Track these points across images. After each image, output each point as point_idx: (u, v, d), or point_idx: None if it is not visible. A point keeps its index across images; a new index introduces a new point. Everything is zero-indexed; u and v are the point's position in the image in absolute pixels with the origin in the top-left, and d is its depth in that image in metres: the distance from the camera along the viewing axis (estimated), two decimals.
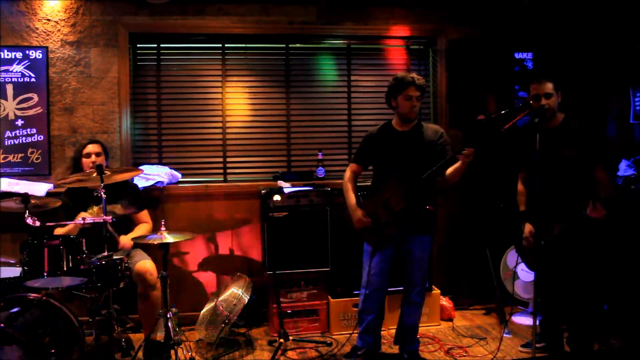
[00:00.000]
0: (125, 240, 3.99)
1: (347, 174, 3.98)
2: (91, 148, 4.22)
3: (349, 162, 4.06)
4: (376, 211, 3.75)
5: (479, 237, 5.06)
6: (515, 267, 4.38)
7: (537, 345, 3.88)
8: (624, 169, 4.64)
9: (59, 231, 3.90)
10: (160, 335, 3.75)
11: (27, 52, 4.65)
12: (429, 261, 3.90)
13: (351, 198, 3.88)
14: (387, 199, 3.70)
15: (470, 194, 5.20)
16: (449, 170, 3.63)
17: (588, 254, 3.69)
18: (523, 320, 4.75)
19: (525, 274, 4.56)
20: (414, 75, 3.78)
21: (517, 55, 5.23)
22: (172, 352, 3.56)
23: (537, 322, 3.59)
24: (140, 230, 4.19)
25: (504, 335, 4.35)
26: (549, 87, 3.67)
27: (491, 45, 5.15)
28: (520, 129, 4.87)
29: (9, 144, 4.63)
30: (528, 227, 3.80)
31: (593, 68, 5.10)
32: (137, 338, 4.20)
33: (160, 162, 4.92)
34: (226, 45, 5.04)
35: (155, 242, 3.59)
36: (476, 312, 5.06)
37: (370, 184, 4.06)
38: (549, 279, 3.79)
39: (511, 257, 4.71)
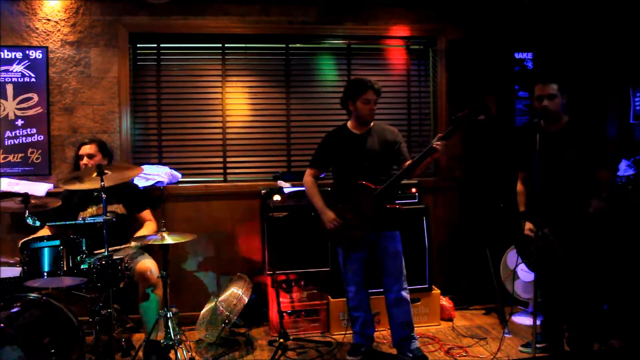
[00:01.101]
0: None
1: (309, 179, 4.02)
2: (84, 150, 4.16)
3: (307, 168, 4.09)
4: (346, 215, 3.81)
5: (479, 237, 5.06)
6: (515, 267, 4.37)
7: (538, 345, 3.88)
8: (624, 168, 4.64)
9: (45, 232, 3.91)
10: (160, 335, 3.75)
11: (27, 52, 4.65)
12: (402, 256, 3.92)
13: (319, 201, 3.95)
14: (357, 203, 3.76)
15: (470, 193, 5.21)
16: (422, 164, 3.69)
17: (588, 254, 3.69)
18: (523, 320, 4.75)
19: (525, 274, 4.55)
20: (371, 80, 3.82)
21: (517, 55, 5.23)
22: (172, 352, 3.56)
23: (538, 322, 3.59)
24: (148, 229, 4.17)
25: (504, 335, 4.35)
26: (553, 88, 3.66)
27: (491, 45, 5.14)
28: (521, 129, 4.88)
29: (9, 143, 4.64)
30: (528, 226, 3.80)
31: (593, 68, 5.10)
32: (137, 338, 4.20)
33: (161, 162, 4.92)
34: (226, 45, 5.04)
35: (156, 243, 3.59)
36: (476, 312, 5.06)
37: (330, 187, 4.10)
38: (549, 279, 3.79)
39: (511, 257, 4.71)
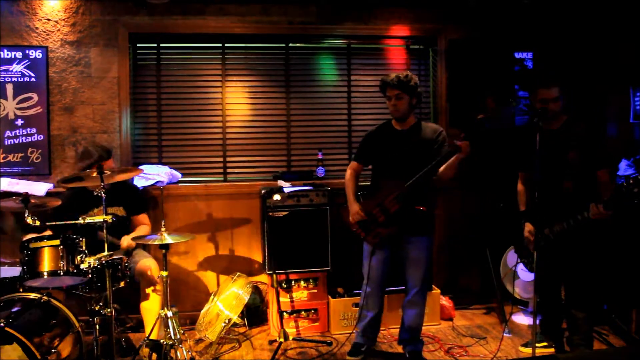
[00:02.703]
0: (127, 240, 3.99)
1: (348, 172, 4.03)
2: (107, 165, 4.06)
3: (350, 161, 4.08)
4: (373, 210, 3.77)
5: (479, 236, 5.06)
6: (515, 266, 4.38)
7: (537, 344, 3.88)
8: (624, 168, 4.64)
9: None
10: (160, 335, 3.75)
11: (27, 51, 4.65)
12: (429, 263, 3.88)
13: (349, 193, 3.94)
14: (383, 199, 3.72)
15: (470, 193, 5.21)
16: (443, 167, 3.64)
17: (588, 254, 3.69)
18: (523, 319, 4.75)
19: (525, 273, 4.55)
20: (394, 74, 3.77)
21: (517, 55, 5.23)
22: (173, 351, 3.57)
23: (537, 322, 3.59)
24: (141, 232, 4.19)
25: (504, 334, 4.35)
26: (556, 90, 3.67)
27: (491, 45, 5.15)
28: (521, 129, 4.88)
29: (9, 143, 4.63)
30: (528, 227, 3.80)
31: (593, 67, 5.10)
32: (137, 338, 4.20)
33: (160, 162, 4.91)
34: (226, 45, 5.04)
35: (156, 243, 3.59)
36: (476, 311, 5.06)
37: (369, 183, 4.07)
38: (549, 279, 3.80)
39: (511, 256, 4.70)
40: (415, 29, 5.18)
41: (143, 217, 4.33)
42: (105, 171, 3.43)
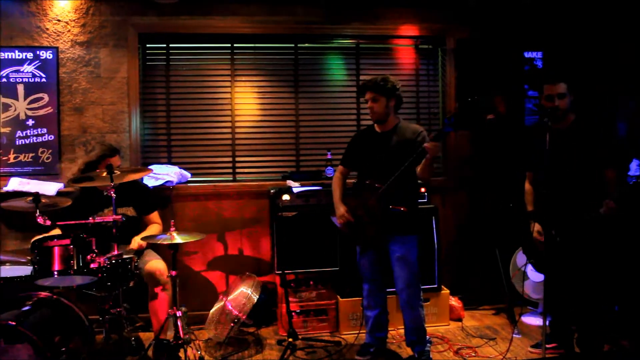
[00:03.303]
0: (137, 241, 4.01)
1: (336, 174, 4.09)
2: (114, 161, 4.10)
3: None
4: (358, 212, 3.81)
5: (488, 236, 5.05)
6: (525, 267, 4.36)
7: (547, 345, 3.87)
8: (634, 168, 4.61)
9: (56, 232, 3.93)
10: (169, 334, 3.77)
11: (37, 52, 4.68)
12: (417, 261, 3.85)
13: (336, 195, 3.98)
14: (366, 200, 3.75)
15: (479, 193, 5.19)
16: (418, 168, 3.64)
17: (597, 253, 3.67)
18: (533, 320, 4.73)
19: (534, 274, 4.54)
20: (373, 78, 3.82)
21: (527, 55, 5.20)
22: (182, 351, 3.58)
23: (547, 323, 3.58)
24: (152, 231, 4.20)
25: (514, 335, 4.33)
26: (563, 87, 3.66)
27: (500, 44, 5.12)
28: (530, 129, 4.86)
29: (20, 143, 4.67)
30: (536, 227, 3.79)
31: (604, 67, 5.07)
32: (147, 337, 4.21)
33: (170, 162, 4.94)
34: (235, 45, 5.05)
35: (165, 243, 3.60)
36: (485, 312, 5.04)
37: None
38: (558, 280, 3.78)
39: (520, 257, 4.69)
40: (424, 29, 5.18)
41: (154, 216, 4.34)
42: (115, 171, 3.45)
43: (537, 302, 4.76)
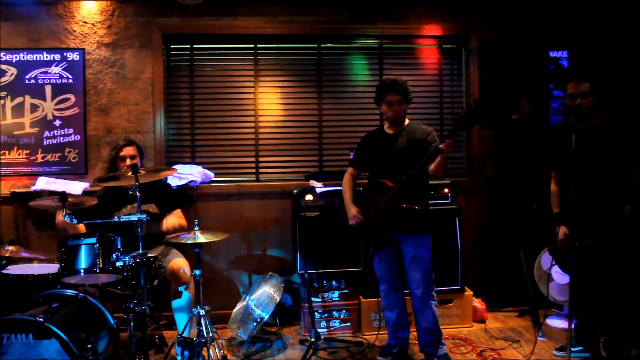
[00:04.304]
0: (170, 221, 4.06)
1: (346, 176, 4.09)
2: (126, 151, 4.23)
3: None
4: (370, 212, 3.80)
5: (512, 237, 5.00)
6: (550, 269, 4.31)
7: (572, 349, 3.81)
8: None
9: (81, 228, 3.99)
10: (193, 333, 3.79)
11: (64, 54, 4.75)
12: (429, 261, 3.84)
13: (347, 197, 3.98)
14: (378, 201, 3.74)
15: (503, 194, 5.15)
16: (431, 166, 3.63)
17: (623, 255, 3.61)
18: (557, 323, 4.67)
19: (559, 276, 4.48)
20: (395, 79, 3.80)
21: (552, 54, 5.15)
22: (205, 349, 3.60)
23: (573, 326, 3.53)
24: (173, 218, 4.18)
25: (538, 338, 4.28)
26: (586, 86, 3.61)
27: (525, 44, 5.08)
28: (555, 129, 4.80)
29: (48, 143, 4.75)
30: (562, 230, 3.74)
31: (631, 65, 4.98)
32: (170, 335, 4.25)
33: (194, 162, 4.97)
34: (258, 45, 5.07)
35: (189, 242, 3.63)
36: (509, 314, 4.99)
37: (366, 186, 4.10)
38: (585, 282, 3.73)
39: (545, 258, 4.63)
40: (448, 28, 5.15)
41: (176, 212, 4.35)
42: (140, 171, 3.48)
43: (562, 305, 4.70)
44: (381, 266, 3.95)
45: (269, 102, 5.12)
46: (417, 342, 4.27)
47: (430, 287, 3.86)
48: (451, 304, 4.63)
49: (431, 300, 3.86)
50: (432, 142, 3.77)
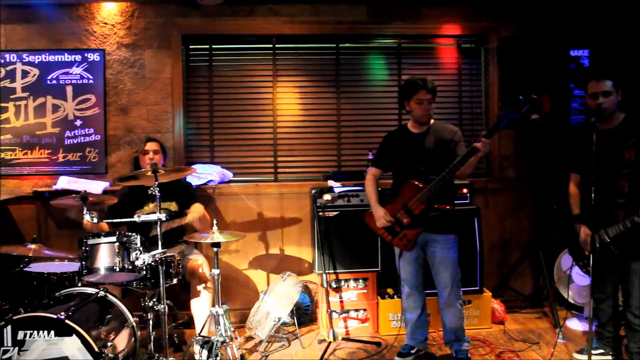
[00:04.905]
0: (193, 214, 4.04)
1: (368, 177, 4.04)
2: (149, 146, 4.29)
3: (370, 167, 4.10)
4: (397, 213, 3.77)
5: (532, 238, 4.96)
6: (570, 270, 4.26)
7: (593, 352, 3.77)
8: None
9: (104, 226, 4.02)
10: (211, 332, 3.81)
11: (85, 54, 4.80)
12: (456, 261, 3.83)
13: (372, 198, 3.94)
14: (407, 201, 3.72)
15: (522, 194, 5.11)
16: (464, 165, 3.58)
17: None
18: (578, 325, 4.62)
19: (580, 277, 4.43)
20: (425, 78, 3.76)
21: (573, 53, 5.08)
22: (223, 348, 3.62)
23: (593, 328, 3.49)
24: (195, 210, 4.14)
25: (558, 340, 4.24)
26: (608, 85, 3.56)
27: (545, 43, 5.02)
28: (576, 129, 4.75)
29: (69, 143, 4.80)
30: (584, 231, 3.69)
31: None
32: (189, 334, 4.28)
33: (212, 161, 5.00)
34: (277, 45, 5.09)
35: (207, 241, 3.65)
36: (528, 315, 4.95)
37: (390, 186, 4.07)
38: (606, 283, 3.68)
39: (565, 260, 4.59)
40: (466, 28, 5.12)
41: (196, 205, 4.33)
42: (159, 170, 3.51)
43: (582, 307, 4.65)
44: (407, 268, 3.91)
45: (288, 102, 5.13)
46: (434, 343, 4.28)
47: (457, 286, 3.86)
48: (470, 305, 4.60)
49: (457, 299, 3.86)
50: (459, 142, 3.76)
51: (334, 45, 5.15)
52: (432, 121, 3.86)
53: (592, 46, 5.06)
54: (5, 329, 3.05)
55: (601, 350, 3.89)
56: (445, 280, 3.81)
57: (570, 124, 5.04)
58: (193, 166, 4.58)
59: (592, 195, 3.33)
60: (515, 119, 3.48)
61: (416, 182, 3.69)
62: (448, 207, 3.69)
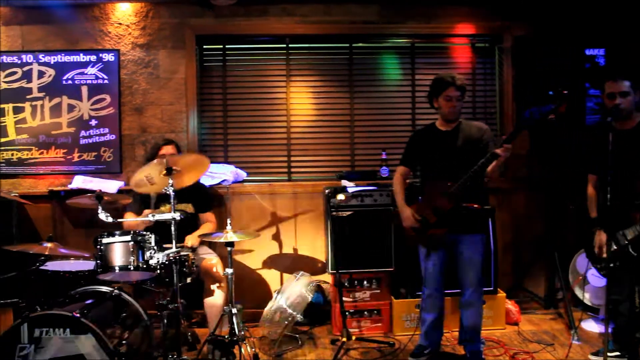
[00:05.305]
0: (193, 239, 4.09)
1: (396, 175, 4.02)
2: (166, 150, 4.28)
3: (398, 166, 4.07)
4: (425, 213, 3.75)
5: (547, 239, 4.92)
6: (586, 272, 4.23)
7: (609, 354, 3.73)
8: None
9: (129, 225, 4.05)
10: (224, 331, 3.82)
11: (100, 55, 4.84)
12: (484, 261, 3.83)
13: (399, 197, 3.93)
14: (434, 200, 3.69)
15: (537, 194, 5.07)
16: (488, 168, 3.58)
17: None
18: (593, 327, 4.58)
19: (595, 279, 4.40)
20: (454, 75, 3.74)
21: (588, 52, 5.04)
22: (236, 347, 3.63)
23: (609, 330, 3.46)
24: (206, 229, 4.28)
25: (573, 342, 4.21)
26: (626, 85, 3.53)
27: (560, 42, 4.99)
28: (592, 129, 4.71)
29: (84, 143, 4.84)
30: (600, 236, 3.66)
31: None
32: (202, 333, 4.29)
33: (226, 161, 5.02)
34: (290, 45, 5.09)
35: (221, 240, 3.66)
36: (543, 316, 4.91)
37: (418, 184, 4.06)
38: (622, 285, 3.65)
39: (581, 261, 4.55)
40: (481, 27, 5.10)
41: (209, 215, 4.42)
42: (174, 170, 3.52)
43: (598, 308, 4.61)
44: (432, 268, 3.84)
45: (301, 101, 5.13)
46: (447, 344, 4.27)
47: (480, 287, 3.86)
48: (484, 305, 4.56)
49: (479, 300, 3.86)
50: (488, 141, 3.71)
51: (347, 45, 5.14)
52: (460, 119, 3.83)
53: (607, 45, 5.01)
54: (22, 327, 3.08)
55: (617, 353, 3.85)
56: (470, 280, 3.79)
57: (585, 123, 5.00)
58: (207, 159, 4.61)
59: (609, 196, 3.30)
60: (537, 119, 3.45)
61: (444, 181, 3.66)
62: (476, 206, 3.65)
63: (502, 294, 4.65)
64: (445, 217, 3.67)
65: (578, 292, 4.57)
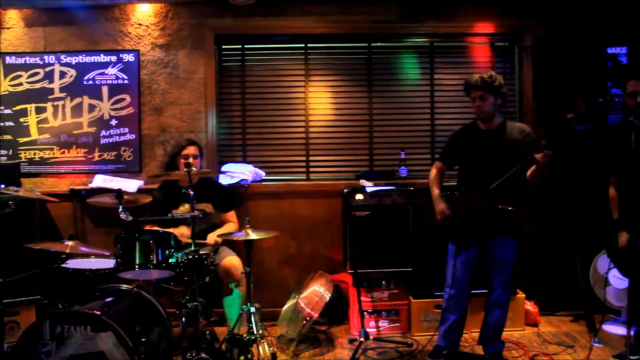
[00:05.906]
0: (214, 237, 4.11)
1: (433, 171, 4.00)
2: (189, 150, 4.34)
3: (433, 161, 4.04)
4: (459, 210, 3.72)
5: (567, 240, 4.87)
6: (607, 273, 4.18)
7: (632, 357, 3.68)
8: None
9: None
10: (243, 330, 3.83)
11: (120, 55, 4.88)
12: (516, 265, 3.78)
13: (435, 191, 3.90)
14: (470, 199, 3.66)
15: (557, 196, 5.02)
16: (528, 172, 3.54)
17: None
18: (615, 329, 4.52)
19: (617, 280, 4.34)
20: (477, 76, 3.71)
21: (610, 50, 4.98)
22: (254, 346, 3.64)
23: (632, 333, 3.41)
24: (228, 229, 4.30)
25: (594, 344, 4.14)
26: None
27: (581, 40, 4.94)
28: (614, 128, 4.65)
29: (104, 142, 4.89)
30: (624, 235, 3.61)
31: None
32: (221, 331, 4.31)
33: (245, 161, 5.04)
34: (308, 44, 5.10)
35: (240, 239, 3.68)
36: (563, 318, 4.86)
37: (454, 183, 4.02)
38: None
39: (602, 262, 4.50)
40: (500, 26, 5.06)
41: (231, 215, 4.45)
42: (192, 167, 3.55)
43: (619, 310, 4.55)
44: (461, 267, 3.80)
45: (320, 101, 5.14)
46: (466, 345, 4.24)
47: (509, 289, 3.84)
48: None
49: (506, 302, 3.84)
50: (529, 143, 3.62)
51: (366, 44, 5.13)
52: (503, 119, 3.79)
53: (630, 43, 4.95)
54: (44, 324, 3.12)
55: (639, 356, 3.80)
56: (500, 282, 3.78)
57: (607, 123, 4.94)
58: (225, 165, 4.63)
59: (633, 198, 3.26)
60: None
61: (481, 181, 3.62)
62: (511, 209, 3.58)
63: (521, 295, 4.62)
64: (480, 217, 3.63)
65: (599, 293, 4.51)
